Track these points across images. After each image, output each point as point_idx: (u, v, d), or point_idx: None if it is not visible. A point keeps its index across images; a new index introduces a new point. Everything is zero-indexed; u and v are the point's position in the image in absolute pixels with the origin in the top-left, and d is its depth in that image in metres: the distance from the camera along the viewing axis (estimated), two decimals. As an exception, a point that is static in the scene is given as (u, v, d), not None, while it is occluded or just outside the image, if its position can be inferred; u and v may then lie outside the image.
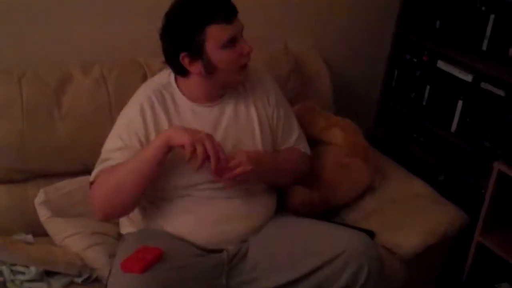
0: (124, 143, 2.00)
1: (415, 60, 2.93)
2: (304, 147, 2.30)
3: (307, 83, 2.70)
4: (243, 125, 2.11)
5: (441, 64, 2.78)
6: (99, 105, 2.28)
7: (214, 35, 1.92)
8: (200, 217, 2.03)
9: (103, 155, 2.04)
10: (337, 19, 2.94)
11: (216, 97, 2.09)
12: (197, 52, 1.94)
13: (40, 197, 2.17)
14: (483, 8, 2.57)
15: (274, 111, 2.18)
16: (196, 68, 1.98)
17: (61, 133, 2.23)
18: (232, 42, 1.95)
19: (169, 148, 1.90)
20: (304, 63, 2.73)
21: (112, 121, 2.20)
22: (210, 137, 1.90)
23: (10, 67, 2.26)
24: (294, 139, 2.26)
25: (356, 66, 3.07)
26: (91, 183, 2.02)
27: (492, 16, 2.53)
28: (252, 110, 2.13)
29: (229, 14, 1.93)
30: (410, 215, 2.34)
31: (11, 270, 1.98)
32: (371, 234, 2.21)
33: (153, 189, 2.03)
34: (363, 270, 1.91)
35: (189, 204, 2.04)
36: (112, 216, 2.08)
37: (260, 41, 2.60)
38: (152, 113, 2.03)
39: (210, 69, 1.98)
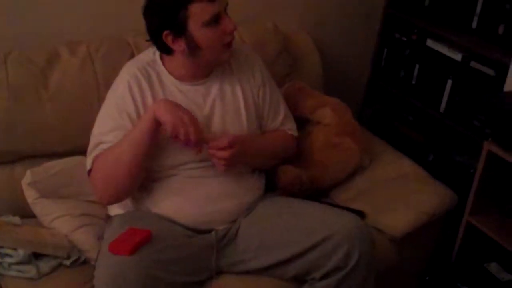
0: (116, 123, 1.99)
1: (405, 38, 2.92)
2: (291, 129, 2.29)
3: (296, 63, 2.69)
4: (229, 104, 2.10)
5: (430, 43, 2.77)
6: (86, 84, 2.25)
7: (197, 13, 1.90)
8: (188, 197, 2.03)
9: (94, 139, 2.03)
10: (325, -2, 2.93)
11: (202, 75, 2.08)
12: (180, 30, 1.92)
13: (27, 178, 2.14)
14: (473, -14, 2.56)
15: (260, 89, 2.17)
16: (179, 46, 1.96)
17: (49, 113, 2.20)
18: (215, 20, 1.93)
19: (158, 122, 1.89)
20: (293, 43, 2.72)
21: (99, 100, 2.18)
22: (192, 118, 1.89)
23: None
24: (280, 119, 2.24)
25: (345, 45, 3.05)
26: (89, 171, 2.01)
27: (482, -6, 2.52)
28: (238, 89, 2.12)
29: None
30: (400, 195, 2.34)
31: (-1, 253, 1.97)
32: (361, 214, 2.21)
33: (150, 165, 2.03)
34: (354, 252, 1.91)
35: (176, 184, 2.03)
36: (116, 199, 2.04)
37: (249, 21, 2.60)
38: (139, 89, 2.02)
39: (193, 48, 1.96)
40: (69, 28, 2.39)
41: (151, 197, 2.05)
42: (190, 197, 2.03)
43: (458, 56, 2.61)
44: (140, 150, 1.92)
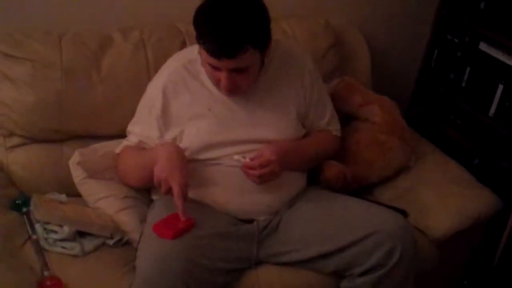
0: (144, 117, 2.10)
1: (457, 40, 2.88)
2: (335, 129, 2.28)
3: (346, 59, 2.67)
4: (272, 104, 2.09)
5: (483, 46, 2.73)
6: (137, 70, 2.28)
7: (202, 51, 1.89)
8: (229, 187, 2.04)
9: (129, 126, 2.15)
10: (379, -4, 2.91)
11: None
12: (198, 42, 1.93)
13: (75, 158, 2.18)
14: (529, -10, 2.52)
15: (307, 92, 2.15)
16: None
17: (99, 96, 2.24)
18: (214, 68, 1.91)
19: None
20: (344, 39, 2.70)
21: (150, 86, 2.21)
22: (176, 178, 1.90)
23: (51, 27, 2.27)
24: (325, 121, 2.24)
25: (396, 44, 3.03)
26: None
27: (539, -1, 2.48)
28: (282, 93, 2.11)
29: (218, 52, 1.84)
30: (444, 198, 2.31)
31: (45, 229, 2.01)
32: (404, 213, 2.19)
33: None
34: (396, 250, 1.90)
35: (217, 175, 2.04)
36: (131, 186, 2.18)
37: (301, 16, 2.61)
38: (174, 90, 2.05)
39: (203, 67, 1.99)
40: (123, 13, 2.42)
41: (193, 187, 2.06)
42: (232, 187, 2.04)
43: (511, 61, 2.57)
44: (144, 176, 2.04)
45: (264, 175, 1.97)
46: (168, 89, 2.05)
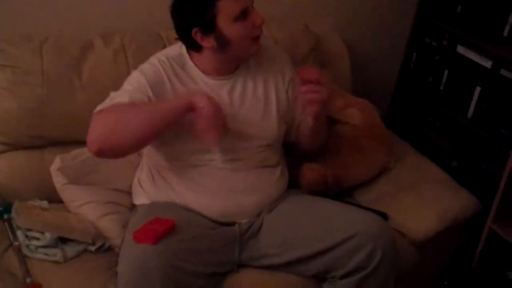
0: (133, 93, 1.95)
1: (435, 44, 2.92)
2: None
3: (326, 63, 2.70)
4: (253, 99, 2.11)
5: (460, 49, 2.76)
6: (118, 75, 2.26)
7: (226, 9, 1.91)
8: (211, 190, 2.05)
9: (110, 99, 1.98)
10: (358, 0, 2.94)
11: (228, 71, 2.09)
12: (209, 27, 1.93)
13: (56, 163, 2.18)
14: (506, -6, 2.55)
15: (290, 84, 2.18)
16: (208, 42, 1.97)
17: (80, 102, 2.24)
18: (243, 14, 1.93)
19: (187, 110, 1.87)
20: (324, 44, 2.73)
21: (131, 92, 2.22)
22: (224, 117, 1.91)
23: (32, 34, 2.27)
24: None
25: (375, 48, 3.06)
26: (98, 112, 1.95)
27: (515, 3, 2.51)
28: (264, 85, 2.13)
29: None
30: (423, 199, 2.34)
31: (26, 235, 2.01)
32: (384, 216, 2.21)
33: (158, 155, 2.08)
34: (376, 253, 1.92)
35: (199, 177, 2.05)
36: (104, 153, 1.91)
37: (280, 20, 2.62)
38: (165, 74, 2.02)
39: (223, 43, 1.97)
40: (104, 19, 2.43)
41: (175, 189, 2.07)
42: (213, 190, 2.05)
43: (488, 64, 2.61)
44: (157, 124, 1.89)
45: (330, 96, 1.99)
46: (160, 72, 2.02)
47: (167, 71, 2.02)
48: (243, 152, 2.07)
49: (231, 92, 2.08)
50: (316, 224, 2.02)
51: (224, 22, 1.93)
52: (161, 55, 2.09)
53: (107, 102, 1.95)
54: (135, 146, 1.96)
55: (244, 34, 1.97)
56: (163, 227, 1.84)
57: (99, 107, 1.94)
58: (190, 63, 2.07)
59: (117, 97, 1.95)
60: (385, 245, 1.93)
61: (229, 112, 2.02)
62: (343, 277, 1.97)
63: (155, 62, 2.04)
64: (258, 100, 2.11)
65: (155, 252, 1.77)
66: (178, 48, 2.10)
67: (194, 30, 1.94)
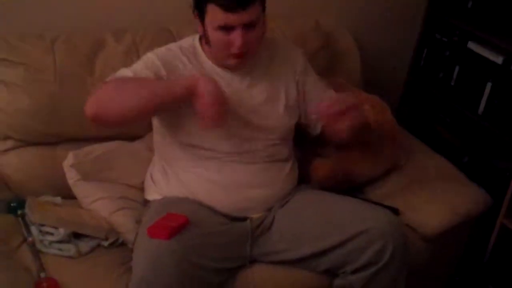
0: (138, 71, 1.97)
1: (445, 39, 2.92)
2: None
3: (336, 60, 2.70)
4: (265, 94, 2.11)
5: (471, 45, 2.76)
6: (130, 72, 2.29)
7: (211, 14, 1.91)
8: (221, 183, 2.05)
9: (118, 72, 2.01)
10: (369, -4, 2.94)
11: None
12: (201, 16, 1.95)
13: (69, 160, 2.19)
14: (516, -11, 2.55)
15: (301, 77, 2.17)
16: (200, 28, 1.99)
17: (92, 98, 2.25)
18: (225, 29, 1.91)
19: (190, 94, 1.84)
20: (334, 40, 2.73)
21: (142, 88, 2.23)
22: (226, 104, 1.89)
23: (43, 31, 2.28)
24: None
25: (385, 44, 3.06)
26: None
27: (525, -2, 2.51)
28: (276, 81, 2.13)
29: (233, 4, 1.86)
30: (434, 195, 2.34)
31: (40, 231, 2.02)
32: (395, 211, 2.21)
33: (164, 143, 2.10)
34: (387, 248, 1.92)
35: (210, 172, 2.06)
36: (99, 119, 1.89)
37: (291, 16, 2.62)
38: (177, 60, 2.03)
39: (207, 39, 1.99)
40: (115, 16, 2.44)
41: (186, 184, 2.08)
42: (223, 184, 2.06)
43: (499, 59, 2.60)
44: (155, 100, 1.87)
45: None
46: (169, 58, 2.03)
47: (182, 57, 2.04)
48: (252, 145, 2.08)
49: (241, 84, 2.08)
50: (327, 220, 2.03)
51: (209, 24, 1.93)
52: (176, 44, 2.10)
53: (112, 75, 1.97)
54: (131, 118, 1.92)
55: (221, 45, 1.96)
56: (177, 222, 1.85)
57: (111, 77, 1.97)
58: (201, 54, 2.07)
59: (123, 72, 1.97)
60: (396, 241, 1.94)
61: (239, 104, 2.03)
62: (354, 272, 1.98)
63: (171, 47, 2.07)
64: (268, 94, 2.11)
65: (169, 248, 1.78)
66: (191, 40, 2.11)
67: (195, 12, 1.97)
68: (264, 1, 1.98)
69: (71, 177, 2.19)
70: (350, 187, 2.36)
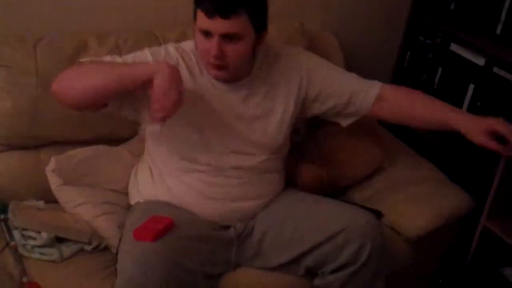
0: (127, 57, 1.99)
1: (428, 42, 2.93)
2: (382, 85, 2.21)
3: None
4: (260, 109, 2.08)
5: (454, 47, 2.77)
6: (113, 75, 2.28)
7: (198, 18, 1.89)
8: (209, 195, 2.05)
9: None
10: (352, -2, 2.96)
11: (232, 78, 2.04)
12: (194, 21, 1.93)
13: (51, 165, 2.18)
14: (498, -8, 2.56)
15: (303, 80, 2.13)
16: (194, 35, 1.96)
17: (75, 102, 2.23)
18: (206, 33, 1.89)
19: (149, 79, 1.79)
20: (318, 42, 2.72)
21: (125, 91, 2.22)
22: (179, 100, 1.80)
23: (26, 33, 2.26)
24: (366, 84, 2.19)
25: (369, 47, 3.07)
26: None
27: (507, 0, 2.51)
28: (274, 95, 2.09)
29: (212, 10, 1.83)
30: (417, 197, 2.35)
31: (23, 235, 2.01)
32: (379, 214, 2.22)
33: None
34: (365, 248, 1.93)
35: (197, 182, 2.05)
36: (59, 95, 1.91)
37: (275, 18, 2.62)
38: (174, 61, 2.00)
39: (195, 43, 1.97)
40: (98, 18, 2.43)
41: (173, 190, 2.07)
42: (211, 196, 2.05)
43: (481, 61, 2.61)
44: (119, 84, 1.85)
45: None
46: (167, 57, 2.02)
47: (178, 58, 2.02)
48: (242, 161, 2.07)
49: (235, 96, 2.05)
50: (305, 221, 2.03)
51: (196, 29, 1.92)
52: (177, 45, 2.08)
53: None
54: (92, 97, 1.88)
55: (201, 51, 1.94)
56: (162, 225, 1.86)
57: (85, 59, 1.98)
58: (199, 61, 2.04)
59: (104, 57, 1.98)
60: (374, 241, 1.94)
61: (233, 118, 2.03)
62: (332, 272, 1.99)
63: (169, 49, 2.04)
64: (263, 110, 2.08)
65: (156, 250, 1.78)
66: (192, 45, 2.05)
67: (193, 16, 1.94)
68: (259, 18, 1.95)
69: (54, 182, 2.17)
70: (335, 190, 2.36)
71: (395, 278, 2.16)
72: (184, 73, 1.98)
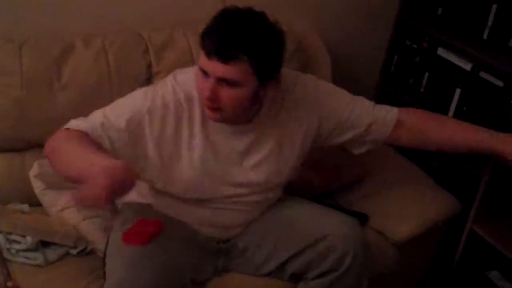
0: (111, 118, 1.84)
1: (415, 46, 2.93)
2: (393, 112, 2.15)
3: (307, 65, 2.68)
4: (265, 153, 1.99)
5: (441, 51, 2.78)
6: (99, 77, 2.26)
7: (200, 54, 1.78)
8: (199, 221, 2.03)
9: (95, 113, 1.89)
10: (339, 2, 2.94)
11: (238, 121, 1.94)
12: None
13: (34, 169, 2.16)
14: (485, -3, 2.57)
15: (316, 123, 2.05)
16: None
17: (60, 104, 2.21)
18: (204, 73, 1.78)
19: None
20: (305, 45, 2.71)
21: (111, 93, 2.22)
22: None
23: (11, 35, 2.24)
24: (384, 112, 2.14)
25: (356, 51, 3.07)
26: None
27: (494, 6, 2.52)
28: (281, 138, 2.00)
29: (212, 51, 1.72)
30: (404, 201, 2.36)
31: (7, 239, 1.99)
32: (365, 217, 2.23)
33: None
34: (348, 254, 1.92)
35: (188, 206, 2.02)
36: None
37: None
38: (162, 121, 1.88)
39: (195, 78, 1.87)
40: (85, 20, 2.40)
41: (162, 206, 2.04)
42: (201, 223, 2.04)
43: (468, 66, 2.62)
44: (80, 177, 1.63)
45: None
46: (154, 122, 1.87)
47: (180, 109, 1.90)
48: (241, 198, 2.02)
49: (240, 142, 1.97)
50: (289, 227, 2.02)
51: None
52: (180, 90, 1.91)
53: (73, 122, 1.84)
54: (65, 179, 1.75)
55: (197, 86, 1.84)
56: (152, 227, 1.85)
57: (72, 123, 1.84)
58: None
59: (86, 121, 1.84)
60: (356, 248, 1.93)
61: (237, 161, 1.98)
62: (315, 278, 1.98)
63: (168, 103, 1.88)
64: (270, 153, 2.00)
65: (146, 253, 1.78)
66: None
67: None
68: (265, 68, 1.78)
69: (37, 186, 2.16)
70: (321, 194, 2.36)
71: (382, 281, 2.16)
72: (186, 124, 1.90)
